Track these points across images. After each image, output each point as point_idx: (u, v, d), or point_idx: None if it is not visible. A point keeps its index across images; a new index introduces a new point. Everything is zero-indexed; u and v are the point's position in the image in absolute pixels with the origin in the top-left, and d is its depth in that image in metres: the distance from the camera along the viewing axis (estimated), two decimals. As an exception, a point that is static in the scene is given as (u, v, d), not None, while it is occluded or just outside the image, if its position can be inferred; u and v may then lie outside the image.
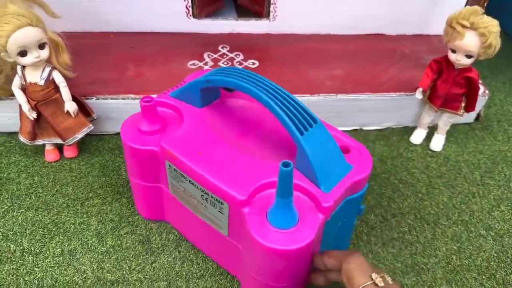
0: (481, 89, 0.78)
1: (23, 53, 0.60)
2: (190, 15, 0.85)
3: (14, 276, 0.55)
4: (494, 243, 0.63)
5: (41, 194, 0.66)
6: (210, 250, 0.58)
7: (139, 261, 0.57)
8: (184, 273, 0.56)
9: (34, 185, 0.67)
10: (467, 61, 0.66)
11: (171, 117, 0.56)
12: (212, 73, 0.53)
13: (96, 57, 0.79)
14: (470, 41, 0.64)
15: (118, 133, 0.76)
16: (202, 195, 0.50)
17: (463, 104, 0.72)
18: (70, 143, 0.68)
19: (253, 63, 0.81)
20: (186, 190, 0.52)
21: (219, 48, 0.84)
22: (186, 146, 0.51)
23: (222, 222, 0.50)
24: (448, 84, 0.70)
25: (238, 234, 0.49)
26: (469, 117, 0.82)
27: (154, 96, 0.54)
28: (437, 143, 0.77)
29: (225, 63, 0.80)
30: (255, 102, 0.49)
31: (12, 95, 0.66)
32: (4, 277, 0.55)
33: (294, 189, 0.44)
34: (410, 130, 0.80)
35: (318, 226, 0.45)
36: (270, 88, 0.48)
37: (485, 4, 0.78)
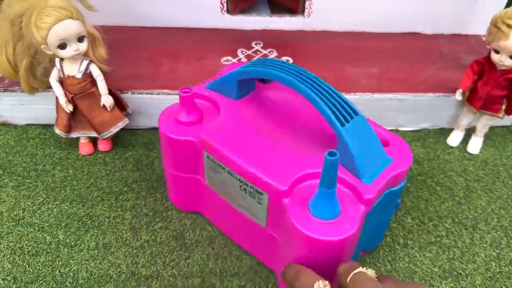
0: (522, 91, 0.75)
1: (62, 46, 0.60)
2: (225, 11, 0.85)
3: (50, 267, 0.56)
4: (535, 250, 0.61)
5: (75, 187, 0.66)
6: (246, 243, 0.58)
7: (173, 257, 0.57)
8: (218, 270, 0.56)
9: (69, 178, 0.67)
10: (511, 62, 0.64)
11: (208, 108, 0.56)
12: (249, 64, 0.53)
13: (131, 51, 0.80)
14: (515, 42, 0.62)
15: (152, 128, 0.76)
16: (240, 186, 0.50)
17: (503, 107, 0.70)
18: (105, 136, 0.68)
19: (287, 60, 0.80)
20: (223, 181, 0.52)
21: (253, 45, 0.84)
22: (224, 136, 0.51)
23: (261, 213, 0.50)
24: (489, 86, 0.68)
25: (277, 225, 0.49)
26: (507, 120, 0.80)
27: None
28: (475, 146, 0.75)
29: (259, 59, 0.79)
30: (292, 93, 0.50)
31: (48, 87, 0.67)
32: (40, 268, 0.55)
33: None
34: (446, 132, 0.78)
35: (361, 217, 0.44)
36: (309, 78, 0.48)
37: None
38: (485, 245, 0.61)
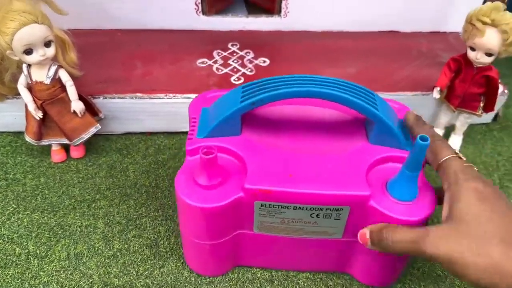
0: (501, 88, 0.75)
1: (28, 51, 0.58)
2: (200, 12, 0.84)
3: (19, 280, 0.54)
4: (515, 249, 0.60)
5: (47, 196, 0.64)
6: (312, 264, 0.56)
7: (147, 266, 0.56)
8: (192, 279, 0.55)
9: (40, 186, 0.66)
10: (487, 60, 0.63)
11: (222, 160, 0.49)
12: (248, 93, 0.48)
13: (103, 55, 0.78)
14: (490, 39, 0.61)
15: (125, 133, 0.75)
16: (311, 214, 0.47)
17: (481, 104, 0.70)
18: (77, 143, 0.67)
19: (264, 61, 0.79)
20: (285, 219, 0.48)
21: (229, 46, 0.82)
22: (272, 176, 0.46)
23: (337, 228, 0.49)
24: (467, 84, 0.68)
25: (357, 227, 0.48)
26: (487, 117, 0.80)
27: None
28: (454, 144, 0.75)
29: (235, 61, 0.78)
30: (278, 104, 0.50)
31: (18, 94, 0.65)
32: (9, 281, 0.54)
33: (387, 161, 0.49)
34: (426, 130, 0.77)
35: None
36: (322, 82, 0.47)
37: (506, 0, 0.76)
38: (464, 245, 0.60)
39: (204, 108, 0.54)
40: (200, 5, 0.82)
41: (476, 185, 0.40)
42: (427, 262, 0.58)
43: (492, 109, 0.70)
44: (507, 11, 0.61)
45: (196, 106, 0.55)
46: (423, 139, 0.40)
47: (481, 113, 0.70)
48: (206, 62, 0.78)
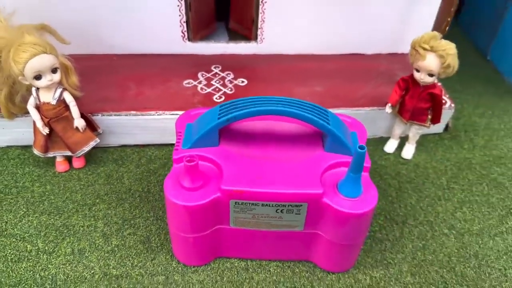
0: (448, 102, 0.86)
1: (38, 77, 0.66)
2: (186, 39, 0.93)
3: (31, 272, 0.62)
4: (456, 240, 0.69)
5: (53, 201, 0.72)
6: (279, 254, 0.64)
7: (141, 258, 0.64)
8: (180, 268, 0.63)
9: (47, 193, 0.74)
10: (430, 79, 0.74)
11: (203, 167, 0.58)
12: (224, 111, 0.57)
13: (101, 77, 0.86)
14: (431, 62, 0.71)
15: (121, 146, 0.83)
16: (277, 210, 0.56)
17: (429, 117, 0.80)
18: (79, 155, 0.75)
19: (243, 81, 0.89)
20: (255, 214, 0.57)
21: (212, 68, 0.91)
22: (245, 179, 0.55)
23: (299, 221, 0.58)
24: (415, 100, 0.78)
25: (315, 221, 0.58)
26: (439, 127, 0.90)
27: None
28: (408, 152, 0.84)
29: (217, 81, 0.88)
30: (248, 121, 0.60)
31: (26, 112, 0.73)
32: (23, 273, 0.62)
33: (339, 166, 0.58)
34: (384, 140, 0.87)
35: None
36: (285, 102, 0.56)
37: (447, 28, 0.87)
38: (412, 238, 0.69)
39: (188, 123, 0.63)
40: (186, 33, 0.92)
41: None
42: (379, 252, 0.68)
43: (438, 121, 0.80)
44: (443, 39, 0.72)
45: (181, 122, 0.63)
46: (361, 148, 0.50)
47: (429, 125, 0.81)
48: (192, 83, 0.87)
